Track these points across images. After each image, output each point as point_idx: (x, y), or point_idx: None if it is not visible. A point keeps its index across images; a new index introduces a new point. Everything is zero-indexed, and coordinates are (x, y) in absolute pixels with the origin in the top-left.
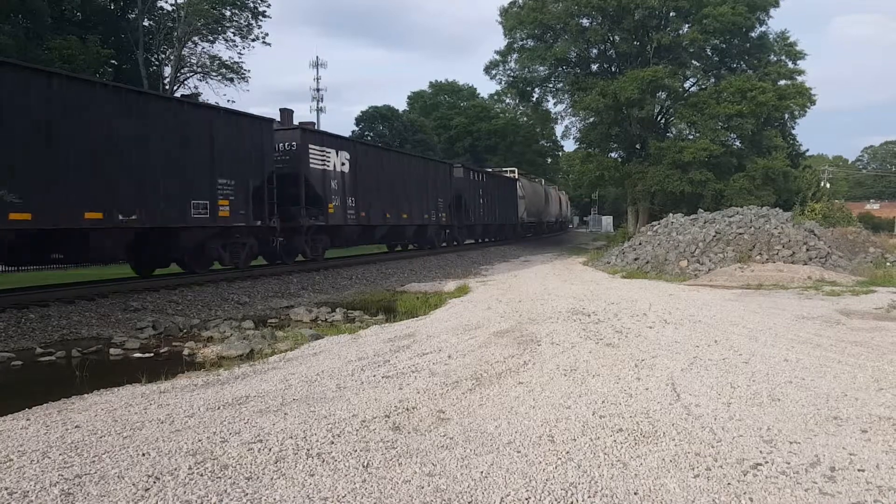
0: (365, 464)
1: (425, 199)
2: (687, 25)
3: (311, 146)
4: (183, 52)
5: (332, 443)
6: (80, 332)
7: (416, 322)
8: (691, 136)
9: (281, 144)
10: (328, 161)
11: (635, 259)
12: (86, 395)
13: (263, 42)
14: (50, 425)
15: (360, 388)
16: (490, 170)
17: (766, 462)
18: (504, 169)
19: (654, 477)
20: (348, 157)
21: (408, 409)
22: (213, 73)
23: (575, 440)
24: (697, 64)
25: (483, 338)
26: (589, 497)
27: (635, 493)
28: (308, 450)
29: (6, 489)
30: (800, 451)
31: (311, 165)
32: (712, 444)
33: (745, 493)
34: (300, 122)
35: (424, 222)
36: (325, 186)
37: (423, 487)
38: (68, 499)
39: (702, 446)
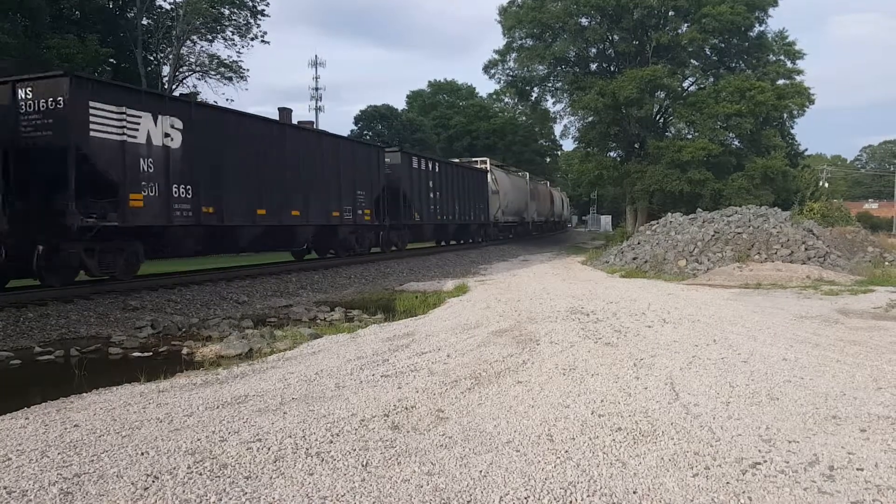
0: (364, 463)
1: (335, 192)
2: (686, 25)
3: (93, 104)
4: (182, 51)
5: (331, 442)
6: (78, 331)
7: (414, 321)
8: (690, 136)
9: (37, 101)
10: (134, 129)
11: (634, 258)
12: (84, 395)
13: (262, 41)
14: (49, 424)
15: (359, 387)
16: (457, 160)
17: (765, 461)
18: (473, 159)
19: (653, 476)
20: (179, 125)
21: (407, 409)
22: (212, 72)
23: (574, 439)
24: (696, 63)
25: (482, 337)
26: (588, 496)
27: (634, 492)
28: (307, 449)
29: (5, 488)
30: (799, 450)
31: (95, 134)
32: (711, 444)
33: (743, 493)
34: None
35: (333, 222)
36: (127, 167)
37: (422, 486)
38: (67, 498)
39: (700, 445)
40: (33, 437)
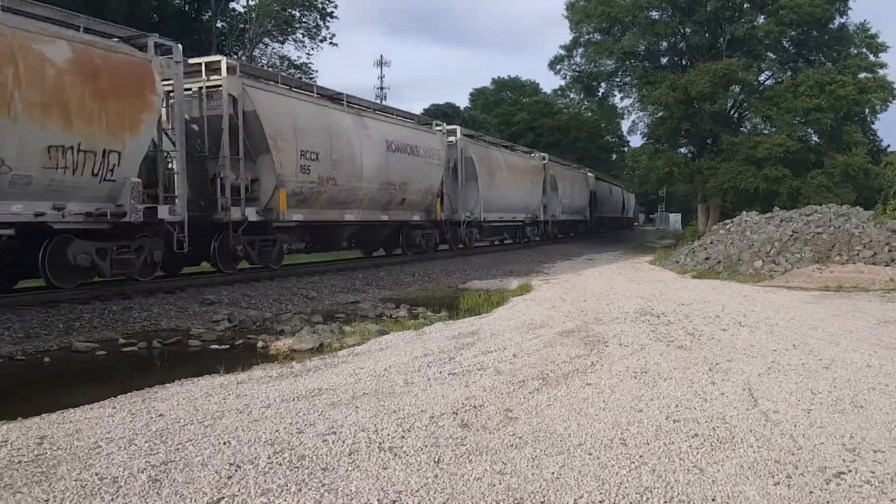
0: (436, 459)
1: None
2: (762, 17)
3: None
4: (254, 53)
5: (403, 437)
6: (159, 324)
7: (479, 320)
8: (766, 131)
9: None
10: None
11: (706, 258)
12: (168, 385)
13: (331, 42)
14: (135, 413)
15: (427, 384)
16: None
17: (850, 471)
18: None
19: (732, 484)
20: None
21: (475, 407)
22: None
23: (648, 444)
24: (773, 56)
25: (548, 337)
26: (665, 502)
27: (713, 500)
28: (380, 443)
29: (97, 475)
30: (885, 460)
31: None
32: (792, 452)
33: (828, 502)
34: None
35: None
36: None
37: (494, 486)
38: (156, 485)
39: (781, 453)
40: (121, 425)
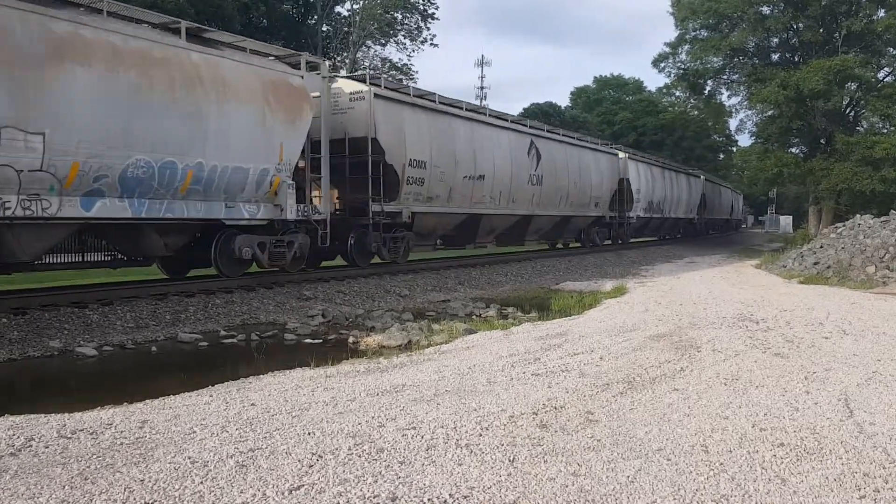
0: (511, 458)
1: None
2: (882, 11)
3: None
4: (357, 56)
5: (481, 435)
6: (258, 318)
7: (568, 321)
8: (885, 131)
9: None
10: None
11: (815, 263)
12: (262, 376)
13: (431, 44)
14: (229, 402)
15: (509, 383)
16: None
17: None
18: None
19: (814, 495)
20: None
21: (556, 408)
22: (384, 75)
23: (730, 452)
24: (894, 52)
25: (638, 341)
26: None
27: None
28: (457, 440)
29: (189, 458)
30: None
31: None
32: (884, 465)
33: None
34: None
35: None
36: None
37: (566, 486)
38: (242, 470)
39: (872, 466)
40: (216, 413)
